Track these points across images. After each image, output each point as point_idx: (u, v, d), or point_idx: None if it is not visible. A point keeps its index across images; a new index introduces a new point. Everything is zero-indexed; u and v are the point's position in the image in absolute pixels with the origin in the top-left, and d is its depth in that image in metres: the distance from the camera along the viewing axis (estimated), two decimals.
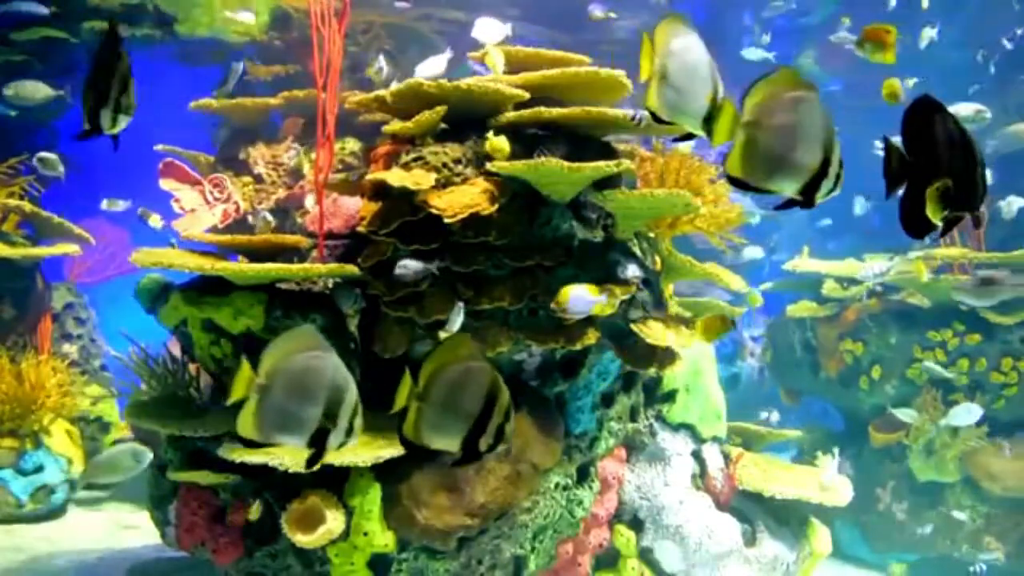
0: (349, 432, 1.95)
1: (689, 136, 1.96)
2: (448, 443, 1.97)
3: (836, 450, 4.38)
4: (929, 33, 6.70)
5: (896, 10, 7.57)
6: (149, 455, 3.29)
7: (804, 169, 1.80)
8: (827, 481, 4.09)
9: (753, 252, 8.12)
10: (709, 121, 1.86)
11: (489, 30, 3.85)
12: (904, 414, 5.35)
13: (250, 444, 1.93)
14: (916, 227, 1.79)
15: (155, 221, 5.16)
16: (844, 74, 9.56)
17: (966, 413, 5.05)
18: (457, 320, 3.11)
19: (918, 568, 5.64)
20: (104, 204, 6.05)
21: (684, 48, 1.85)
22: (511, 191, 3.39)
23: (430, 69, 4.00)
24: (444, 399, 1.94)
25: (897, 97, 3.38)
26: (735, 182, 1.84)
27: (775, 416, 6.44)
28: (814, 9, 9.56)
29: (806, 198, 1.82)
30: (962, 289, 5.25)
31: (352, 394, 1.93)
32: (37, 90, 5.85)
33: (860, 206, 7.68)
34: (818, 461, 4.32)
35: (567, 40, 7.46)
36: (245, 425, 1.90)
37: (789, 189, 1.83)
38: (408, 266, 3.13)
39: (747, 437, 4.64)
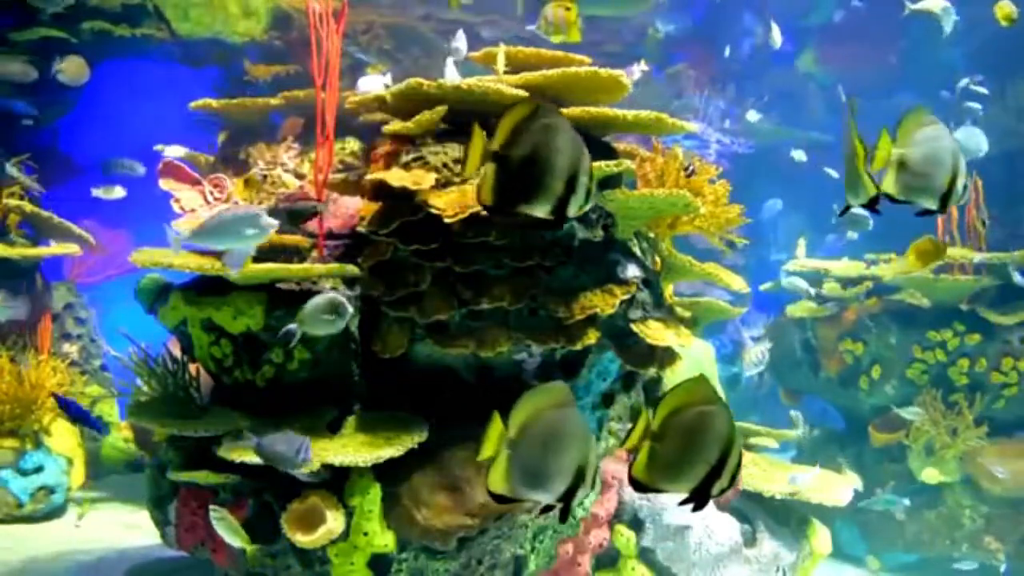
0: (592, 487, 1.96)
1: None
2: (681, 486, 1.94)
3: (817, 466, 4.34)
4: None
5: (895, 10, 7.57)
6: (349, 309, 3.13)
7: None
8: (797, 482, 4.06)
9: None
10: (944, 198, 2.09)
11: (371, 84, 4.05)
12: (909, 412, 5.35)
13: (502, 500, 1.93)
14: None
15: (173, 151, 5.07)
16: (844, 74, 9.55)
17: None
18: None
19: (918, 568, 5.65)
20: (99, 192, 6.01)
21: (929, 138, 2.05)
22: None
23: (368, 85, 4.10)
24: (682, 442, 1.89)
25: (1012, 20, 3.45)
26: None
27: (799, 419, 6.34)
28: (814, 9, 9.57)
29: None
30: None
31: (596, 451, 1.93)
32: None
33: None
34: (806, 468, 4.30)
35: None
36: (496, 480, 1.90)
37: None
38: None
39: (747, 437, 4.64)
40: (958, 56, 8.95)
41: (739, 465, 1.93)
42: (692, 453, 1.89)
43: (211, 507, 3.22)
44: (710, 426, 1.88)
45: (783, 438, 5.00)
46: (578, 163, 1.89)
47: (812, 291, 5.99)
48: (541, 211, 1.93)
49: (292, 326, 3.12)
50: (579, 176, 1.89)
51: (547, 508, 1.98)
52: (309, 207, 3.26)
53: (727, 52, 8.73)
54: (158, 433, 3.68)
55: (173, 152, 5.50)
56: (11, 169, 5.69)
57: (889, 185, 2.05)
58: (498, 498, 1.93)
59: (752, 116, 8.75)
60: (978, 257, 5.59)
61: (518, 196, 1.91)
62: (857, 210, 2.32)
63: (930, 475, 5.43)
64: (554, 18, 3.01)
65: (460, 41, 3.79)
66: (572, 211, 1.92)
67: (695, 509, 1.96)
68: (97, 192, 6.04)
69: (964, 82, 7.22)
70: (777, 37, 7.94)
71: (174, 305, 3.58)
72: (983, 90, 7.06)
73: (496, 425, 1.88)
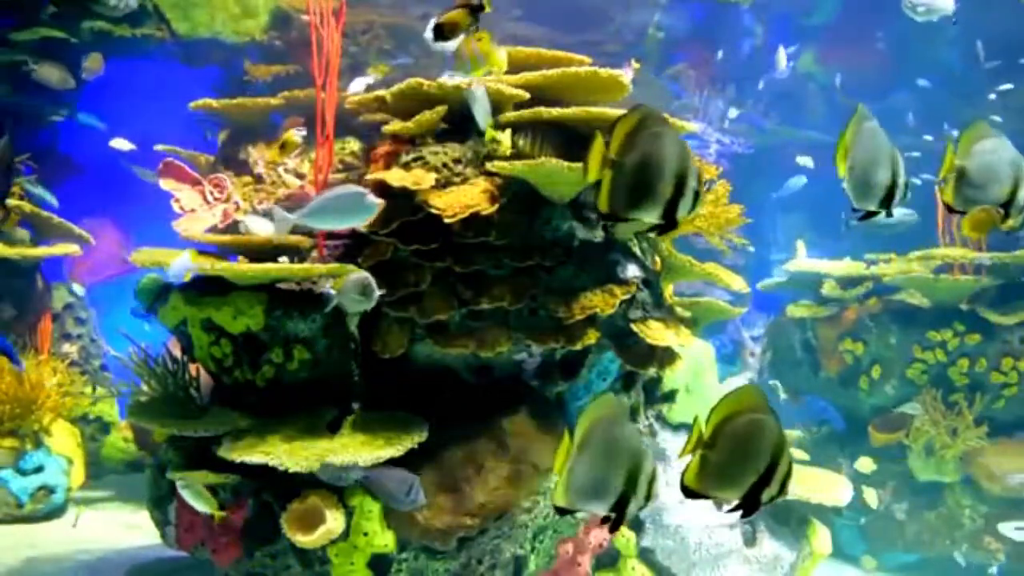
0: (647, 498, 2.00)
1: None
2: (731, 493, 1.98)
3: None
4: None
5: (895, 11, 7.57)
6: (376, 293, 3.18)
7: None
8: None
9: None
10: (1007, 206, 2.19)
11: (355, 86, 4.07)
12: (910, 407, 5.35)
13: (562, 511, 2.02)
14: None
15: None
16: (844, 74, 9.56)
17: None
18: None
19: (918, 568, 5.64)
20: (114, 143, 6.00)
21: (987, 150, 2.15)
22: (511, 191, 3.39)
23: (355, 86, 4.15)
24: (732, 450, 1.93)
25: None
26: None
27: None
28: (814, 9, 9.57)
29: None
30: None
31: (649, 462, 1.99)
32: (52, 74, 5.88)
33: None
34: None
35: (569, 40, 7.46)
36: (559, 494, 1.98)
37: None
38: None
39: None
40: (956, 56, 8.95)
41: (789, 473, 1.96)
42: (742, 461, 1.93)
43: (178, 476, 3.24)
44: (760, 434, 1.92)
45: None
46: (685, 168, 1.96)
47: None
48: (652, 215, 2.01)
49: (330, 291, 3.19)
50: (687, 180, 1.96)
51: (605, 519, 2.03)
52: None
53: (719, 56, 8.72)
54: (158, 433, 3.67)
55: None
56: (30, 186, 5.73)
57: (948, 196, 2.15)
58: (560, 510, 2.01)
59: (732, 113, 8.77)
60: (981, 257, 5.59)
61: (631, 202, 1.99)
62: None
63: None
64: (469, 53, 3.03)
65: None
66: (681, 214, 2.00)
67: (744, 516, 2.00)
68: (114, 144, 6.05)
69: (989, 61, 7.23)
70: (783, 60, 7.99)
71: (174, 305, 3.58)
72: (1009, 85, 7.08)
73: (565, 440, 1.96)
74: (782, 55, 8.31)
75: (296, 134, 3.54)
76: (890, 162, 2.07)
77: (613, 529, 2.08)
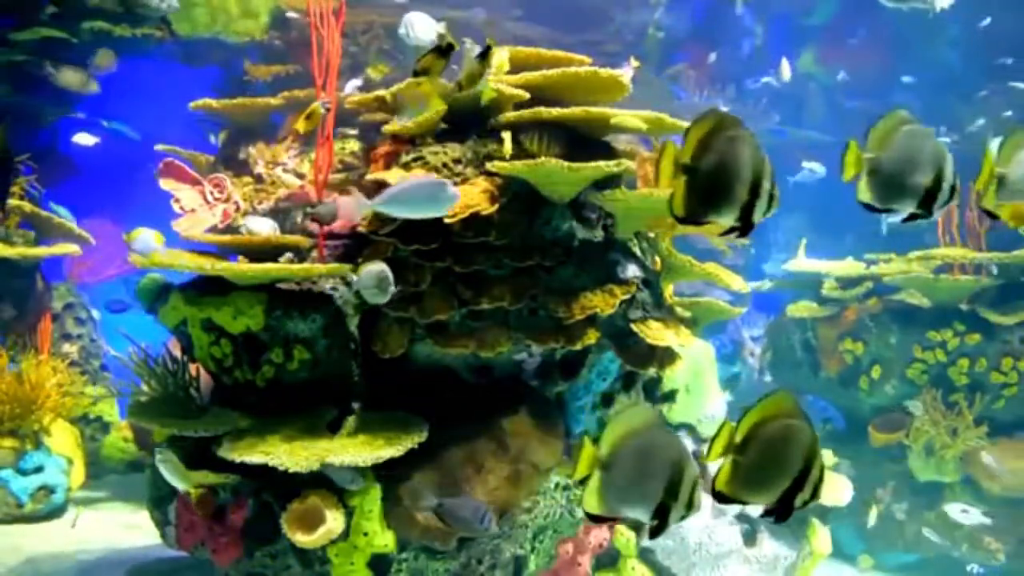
0: (689, 506, 1.98)
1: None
2: (764, 498, 1.98)
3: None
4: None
5: (895, 11, 7.57)
6: (392, 289, 3.19)
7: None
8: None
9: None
10: None
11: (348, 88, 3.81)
12: (913, 406, 5.35)
13: (596, 519, 2.02)
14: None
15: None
16: (844, 74, 9.56)
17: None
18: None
19: (918, 568, 5.64)
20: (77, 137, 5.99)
21: None
22: (511, 191, 3.39)
23: (348, 88, 4.05)
24: (765, 455, 1.93)
25: None
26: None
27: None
28: (814, 9, 9.57)
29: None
30: None
31: (691, 469, 1.97)
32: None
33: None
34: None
35: (569, 40, 7.46)
36: (591, 501, 1.98)
37: None
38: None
39: None
40: (956, 57, 8.96)
41: (821, 478, 1.96)
42: (775, 466, 1.93)
43: (156, 449, 3.25)
44: (793, 439, 1.92)
45: None
46: (761, 171, 1.98)
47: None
48: (728, 219, 2.02)
49: (353, 277, 3.20)
50: (762, 183, 1.98)
51: (659, 528, 2.03)
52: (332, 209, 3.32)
53: (711, 59, 8.71)
54: (158, 433, 3.67)
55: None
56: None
57: (988, 202, 2.15)
58: (593, 517, 2.01)
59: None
60: (978, 257, 5.59)
61: (707, 206, 2.01)
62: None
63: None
64: (411, 98, 3.07)
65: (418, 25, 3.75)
66: (757, 217, 2.01)
67: (777, 521, 2.00)
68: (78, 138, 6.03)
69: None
70: (786, 71, 7.99)
71: (174, 305, 3.58)
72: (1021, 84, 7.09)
73: (587, 447, 1.96)
74: (785, 66, 8.33)
75: (322, 106, 3.53)
76: (932, 164, 2.05)
77: (652, 536, 2.07)
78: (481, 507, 2.90)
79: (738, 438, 1.93)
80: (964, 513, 5.19)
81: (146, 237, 3.22)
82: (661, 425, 2.00)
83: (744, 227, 2.03)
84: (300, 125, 3.52)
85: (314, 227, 3.83)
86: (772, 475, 1.93)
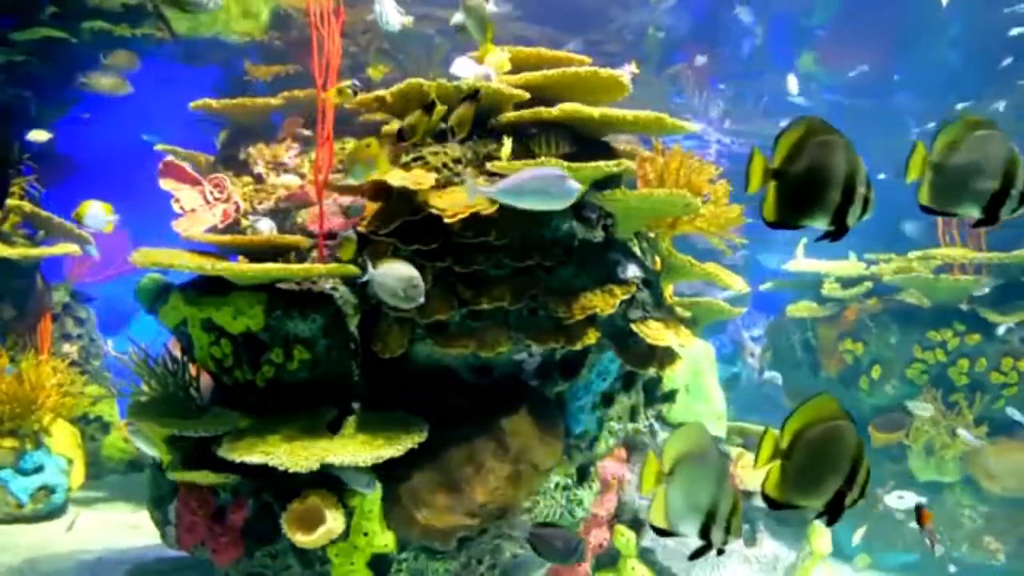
0: (728, 531, 2.04)
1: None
2: (814, 501, 2.01)
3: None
4: None
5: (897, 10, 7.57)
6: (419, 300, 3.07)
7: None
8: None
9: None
10: None
11: (466, 67, 3.81)
12: (919, 407, 5.35)
13: (661, 533, 2.08)
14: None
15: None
16: (844, 74, 9.56)
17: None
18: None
19: (918, 568, 5.65)
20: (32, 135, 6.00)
21: None
22: None
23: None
24: (813, 458, 1.97)
25: None
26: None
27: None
28: (814, 10, 9.57)
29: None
30: None
31: (732, 494, 2.03)
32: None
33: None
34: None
35: (569, 40, 7.46)
36: (656, 515, 2.06)
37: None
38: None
39: (747, 437, 4.63)
40: (956, 57, 8.96)
41: (868, 476, 1.99)
42: (823, 468, 1.96)
43: (127, 421, 3.25)
44: (839, 440, 1.95)
45: None
46: (854, 175, 1.99)
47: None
48: (820, 223, 2.04)
49: (370, 268, 3.09)
50: (856, 187, 1.98)
51: (704, 548, 2.08)
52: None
53: (699, 61, 8.71)
54: (156, 434, 3.67)
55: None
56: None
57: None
58: (659, 531, 2.08)
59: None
60: (978, 258, 5.59)
61: (799, 210, 2.03)
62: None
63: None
64: (362, 160, 3.12)
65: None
66: (851, 221, 2.02)
67: (829, 523, 2.03)
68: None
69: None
70: (794, 85, 7.99)
71: (174, 305, 3.58)
72: None
73: (652, 462, 2.03)
74: (793, 81, 8.35)
75: (348, 87, 3.53)
76: (1001, 170, 2.03)
77: (694, 557, 2.10)
78: (573, 538, 2.95)
79: (783, 443, 1.96)
80: (900, 499, 5.20)
81: (95, 211, 3.19)
82: (711, 443, 2.05)
83: (838, 231, 2.04)
84: (332, 95, 3.54)
85: (313, 227, 3.83)
86: (821, 477, 1.96)
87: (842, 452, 1.94)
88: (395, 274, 3.05)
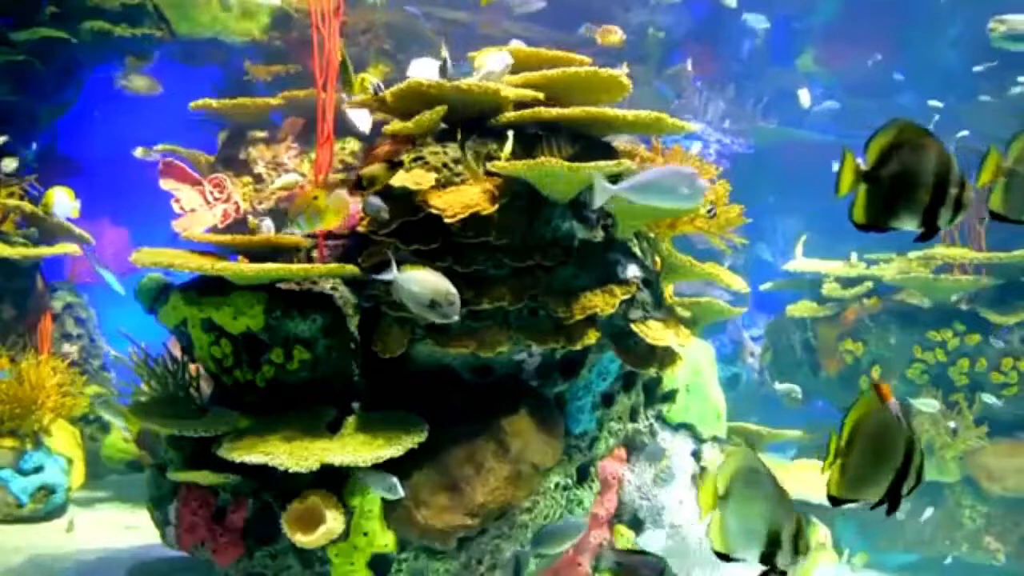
0: (795, 552, 2.06)
1: None
2: (874, 493, 2.05)
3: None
4: None
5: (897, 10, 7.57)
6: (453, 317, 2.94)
7: None
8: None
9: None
10: None
11: (424, 69, 3.80)
12: (926, 404, 5.35)
13: (724, 557, 2.11)
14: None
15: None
16: (844, 74, 9.57)
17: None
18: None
19: (918, 568, 5.65)
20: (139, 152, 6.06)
21: None
22: (511, 191, 3.39)
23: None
24: (868, 452, 2.01)
25: None
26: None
27: None
28: (814, 9, 9.57)
29: None
30: None
31: (794, 520, 2.05)
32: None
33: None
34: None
35: (570, 40, 7.46)
36: (716, 538, 2.10)
37: None
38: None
39: (747, 437, 4.64)
40: (956, 57, 8.96)
41: (923, 462, 2.02)
42: (880, 460, 1.99)
43: (95, 397, 3.25)
44: (891, 430, 1.98)
45: (783, 438, 5.00)
46: (946, 176, 1.99)
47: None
48: (910, 224, 2.05)
49: (391, 276, 2.95)
50: (948, 188, 1.99)
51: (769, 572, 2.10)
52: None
53: (689, 66, 8.71)
54: (141, 432, 3.67)
55: (5, 165, 5.61)
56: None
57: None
58: (721, 556, 2.12)
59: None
60: (978, 258, 5.59)
61: (889, 212, 2.04)
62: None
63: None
64: (307, 210, 3.18)
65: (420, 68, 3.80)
66: (942, 222, 2.03)
67: (889, 512, 2.07)
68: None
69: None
70: (806, 98, 8.00)
71: (174, 305, 3.58)
72: None
73: (708, 483, 2.06)
74: (805, 94, 8.36)
75: (371, 81, 3.55)
76: None
77: None
78: (660, 566, 2.95)
79: (842, 443, 2.00)
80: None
81: (61, 199, 3.20)
82: (762, 468, 2.09)
83: (928, 232, 2.05)
84: (356, 84, 3.58)
85: None
86: (878, 469, 2.00)
87: (896, 442, 1.98)
88: (431, 285, 2.93)
